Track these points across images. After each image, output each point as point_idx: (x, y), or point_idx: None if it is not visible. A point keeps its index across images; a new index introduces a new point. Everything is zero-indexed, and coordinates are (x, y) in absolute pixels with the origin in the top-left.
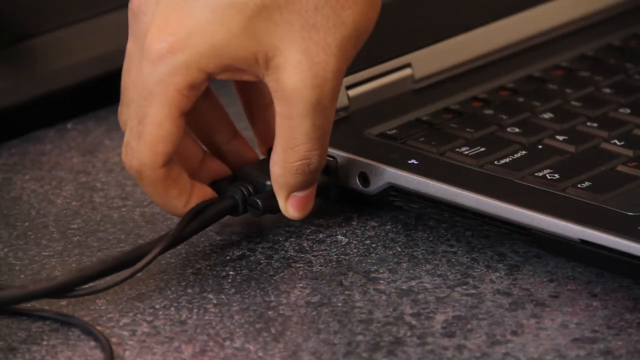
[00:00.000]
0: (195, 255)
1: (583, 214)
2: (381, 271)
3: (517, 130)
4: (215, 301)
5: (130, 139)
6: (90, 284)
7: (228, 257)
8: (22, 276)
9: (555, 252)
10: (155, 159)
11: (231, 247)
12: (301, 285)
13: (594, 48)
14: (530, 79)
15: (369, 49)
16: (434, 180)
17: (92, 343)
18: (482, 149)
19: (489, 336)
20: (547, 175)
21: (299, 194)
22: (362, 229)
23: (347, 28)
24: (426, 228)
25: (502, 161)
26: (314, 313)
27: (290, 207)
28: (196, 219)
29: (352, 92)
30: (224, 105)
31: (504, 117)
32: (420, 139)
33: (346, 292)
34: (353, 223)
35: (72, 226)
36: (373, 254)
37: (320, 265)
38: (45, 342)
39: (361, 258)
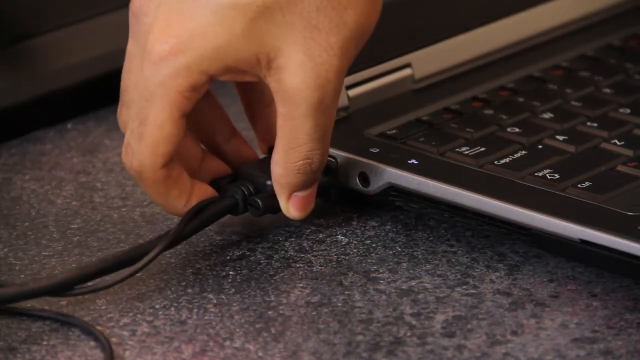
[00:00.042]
0: (195, 255)
1: (583, 214)
2: (381, 271)
3: (517, 130)
4: (215, 301)
5: (130, 140)
6: (90, 283)
7: (228, 257)
8: (22, 276)
9: (555, 252)
10: (155, 160)
11: (231, 247)
12: (301, 285)
13: (594, 48)
14: (530, 79)
15: (369, 49)
16: (434, 180)
17: (92, 343)
18: (482, 149)
19: (489, 336)
20: (547, 175)
21: (300, 194)
22: (362, 229)
23: (349, 28)
24: (426, 228)
25: (502, 161)
26: (314, 313)
27: (291, 207)
28: (196, 218)
29: (352, 92)
30: (222, 105)
31: (504, 117)
32: (420, 139)
33: (346, 292)
34: (353, 223)
35: (72, 226)
36: (373, 254)
37: (320, 265)
38: (45, 342)
39: (361, 258)
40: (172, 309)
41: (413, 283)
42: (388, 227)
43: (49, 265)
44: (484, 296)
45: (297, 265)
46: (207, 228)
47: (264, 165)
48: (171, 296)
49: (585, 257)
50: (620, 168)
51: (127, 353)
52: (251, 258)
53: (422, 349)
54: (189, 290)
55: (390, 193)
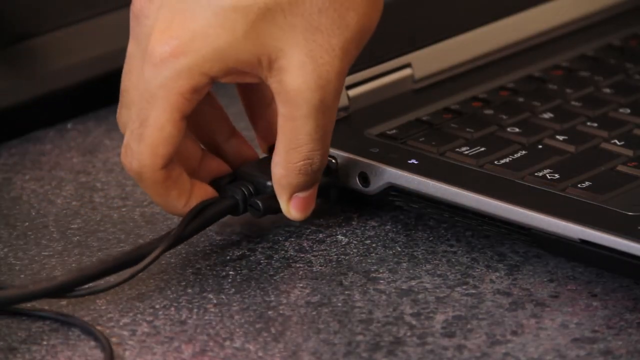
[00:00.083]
0: (195, 255)
1: (583, 214)
2: (381, 271)
3: (517, 130)
4: (215, 301)
5: (130, 141)
6: (91, 284)
7: (228, 257)
8: (22, 276)
9: (555, 252)
10: (155, 161)
11: (231, 247)
12: (301, 285)
13: (594, 48)
14: (530, 79)
15: (369, 49)
16: (434, 180)
17: (92, 343)
18: (482, 149)
19: (489, 336)
20: (547, 175)
21: (301, 195)
22: (362, 229)
23: (350, 30)
24: (426, 228)
25: (502, 161)
26: (314, 313)
27: (292, 208)
28: (197, 219)
29: (352, 92)
30: (222, 105)
31: (504, 117)
32: (420, 139)
33: (346, 292)
34: (353, 223)
35: (72, 226)
36: (373, 254)
37: (320, 265)
38: (45, 342)
39: (361, 258)
40: (172, 309)
41: (413, 283)
42: (388, 227)
43: (49, 265)
44: (484, 296)
45: (297, 265)
46: (207, 228)
47: (264, 165)
48: (171, 296)
49: (585, 257)
50: (620, 168)
51: (127, 353)
52: (251, 258)
53: (422, 349)
54: (189, 290)
55: (390, 193)
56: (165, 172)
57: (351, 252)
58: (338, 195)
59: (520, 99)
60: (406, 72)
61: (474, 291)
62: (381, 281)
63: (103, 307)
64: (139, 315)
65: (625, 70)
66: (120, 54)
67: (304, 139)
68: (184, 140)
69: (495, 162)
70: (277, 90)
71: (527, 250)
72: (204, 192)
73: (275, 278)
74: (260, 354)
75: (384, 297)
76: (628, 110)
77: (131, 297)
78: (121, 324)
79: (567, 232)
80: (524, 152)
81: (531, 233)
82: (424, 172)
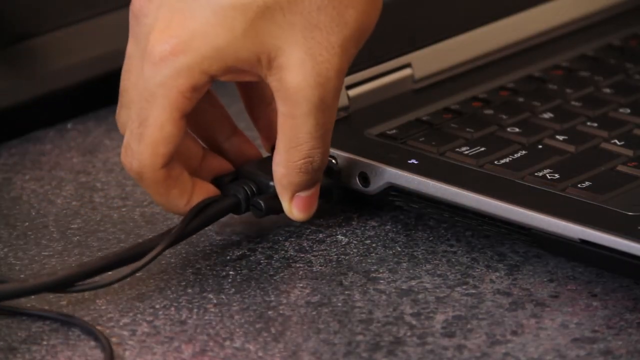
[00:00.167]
0: (195, 255)
1: (583, 214)
2: (381, 271)
3: (517, 130)
4: (215, 301)
5: (130, 141)
6: (91, 280)
7: (228, 257)
8: (22, 276)
9: (555, 252)
10: (155, 161)
11: (231, 247)
12: (301, 285)
13: (594, 48)
14: (530, 79)
15: (369, 49)
16: (434, 180)
17: (92, 343)
18: (482, 149)
19: (489, 336)
20: (547, 175)
21: (303, 194)
22: (362, 229)
23: (349, 28)
24: (426, 228)
25: (502, 161)
26: (314, 313)
27: (294, 208)
28: (199, 217)
29: (352, 92)
30: (223, 103)
31: (504, 117)
32: (420, 139)
33: (346, 292)
34: (353, 223)
35: (72, 226)
36: (373, 254)
37: (320, 265)
38: (45, 342)
39: (361, 258)
40: (172, 309)
41: (413, 283)
42: (388, 227)
43: (49, 265)
44: (484, 296)
45: (297, 265)
46: (207, 228)
47: (266, 164)
48: (171, 296)
49: (585, 257)
50: (620, 168)
51: (127, 353)
52: (251, 258)
53: (422, 349)
54: (189, 290)
55: (390, 193)
56: (165, 171)
57: (351, 252)
58: (341, 197)
59: (520, 99)
60: (406, 72)
61: (474, 291)
62: (381, 281)
63: (103, 307)
64: (139, 315)
65: (625, 70)
66: (120, 54)
67: (304, 137)
68: (185, 139)
69: (495, 162)
70: (276, 88)
71: (527, 250)
72: (205, 190)
73: (275, 278)
74: (260, 354)
75: (384, 297)
76: (628, 110)
77: (131, 297)
78: (121, 324)
79: (567, 232)
80: (524, 152)
81: (531, 233)
82: (424, 172)
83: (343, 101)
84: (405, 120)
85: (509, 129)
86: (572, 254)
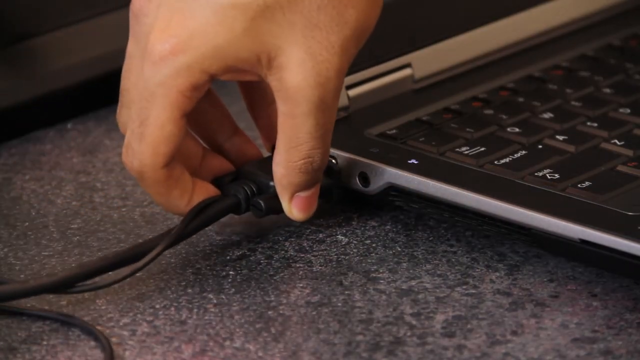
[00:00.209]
0: (195, 255)
1: (583, 214)
2: (381, 271)
3: (517, 130)
4: (215, 301)
5: (131, 141)
6: (91, 281)
7: (228, 257)
8: (22, 276)
9: (555, 252)
10: (156, 160)
11: (231, 247)
12: (301, 285)
13: (594, 48)
14: (530, 79)
15: (369, 49)
16: (434, 180)
17: (92, 343)
18: (482, 149)
19: (489, 336)
20: (547, 175)
21: (303, 194)
22: (362, 229)
23: (349, 27)
24: (426, 228)
25: (502, 161)
26: (314, 313)
27: (294, 208)
28: (199, 217)
29: (352, 92)
30: (223, 103)
31: (504, 117)
32: (420, 139)
33: (346, 292)
34: (353, 223)
35: (72, 226)
36: (373, 254)
37: (320, 265)
38: (45, 342)
39: (361, 258)
40: (172, 309)
41: (413, 283)
42: (388, 227)
43: (49, 265)
44: (484, 296)
45: (297, 265)
46: (207, 228)
47: (267, 164)
48: (171, 296)
49: (585, 257)
50: (620, 168)
51: (127, 353)
52: (251, 258)
53: (422, 349)
54: (189, 290)
55: (390, 193)
56: (166, 171)
57: (351, 252)
58: (341, 197)
59: (520, 99)
60: (406, 72)
61: (474, 291)
62: (381, 281)
63: (103, 307)
64: (139, 315)
65: (625, 70)
66: (120, 54)
67: (304, 137)
68: (185, 138)
69: (495, 162)
70: (276, 88)
71: (527, 250)
72: (205, 190)
73: (275, 278)
74: (260, 354)
75: (384, 297)
76: (628, 110)
77: (131, 297)
78: (121, 324)
79: (567, 232)
80: (524, 152)
81: (531, 233)
82: (424, 172)
83: (343, 101)
84: (405, 120)
85: (509, 129)
86: (572, 254)
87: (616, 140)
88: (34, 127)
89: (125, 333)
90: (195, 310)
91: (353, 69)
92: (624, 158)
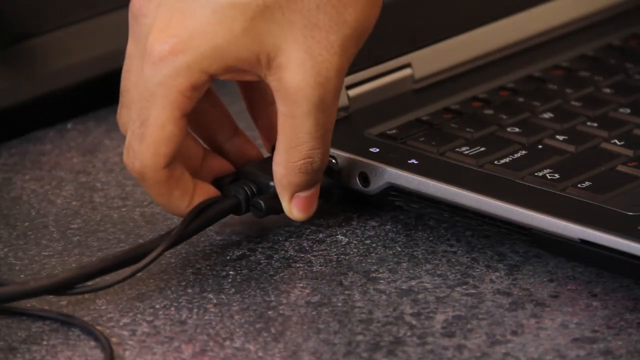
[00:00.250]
0: (195, 255)
1: (583, 214)
2: (381, 271)
3: (517, 130)
4: (215, 301)
5: (132, 141)
6: (91, 282)
7: (228, 257)
8: (22, 276)
9: (555, 252)
10: (157, 161)
11: (231, 247)
12: (301, 285)
13: (594, 48)
14: (530, 79)
15: (369, 49)
16: (434, 180)
17: (92, 343)
18: (482, 149)
19: (489, 336)
20: (547, 175)
21: (303, 194)
22: (362, 229)
23: (349, 26)
24: (426, 228)
25: (502, 161)
26: (314, 313)
27: (294, 208)
28: (199, 218)
29: (352, 92)
30: (224, 103)
31: (504, 117)
32: (420, 139)
33: (346, 292)
34: (353, 223)
35: (72, 226)
36: (373, 254)
37: (320, 265)
38: (45, 342)
39: (361, 258)
40: (172, 309)
41: (413, 283)
42: (388, 227)
43: (49, 265)
44: (484, 296)
45: (297, 265)
46: (207, 228)
47: (267, 165)
48: (171, 296)
49: (585, 257)
50: (620, 168)
51: (127, 353)
52: (251, 258)
53: (422, 349)
54: (189, 290)
55: (390, 193)
56: (167, 172)
57: (351, 252)
58: (341, 197)
59: (520, 99)
60: (406, 72)
61: (474, 291)
62: (381, 281)
63: (103, 307)
64: (139, 315)
65: (625, 70)
66: (120, 54)
67: (304, 137)
68: (186, 139)
69: (495, 162)
70: (276, 88)
71: (527, 250)
72: (206, 191)
73: (275, 278)
74: (260, 354)
75: (384, 297)
76: (628, 110)
77: (131, 297)
78: (121, 324)
79: (567, 232)
80: (524, 152)
81: (531, 233)
82: (424, 172)
83: (343, 101)
84: (405, 120)
85: (509, 129)
86: (572, 254)
87: (616, 140)
88: (34, 127)
89: (125, 333)
90: (195, 310)
91: (353, 69)
92: (624, 158)
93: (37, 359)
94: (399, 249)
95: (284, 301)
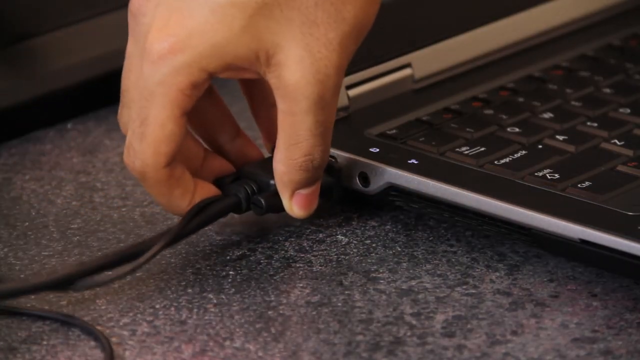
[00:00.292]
0: (195, 255)
1: (583, 214)
2: (381, 271)
3: (517, 130)
4: (215, 301)
5: (132, 141)
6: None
7: (228, 257)
8: (22, 276)
9: (555, 252)
10: (158, 160)
11: (231, 247)
12: (301, 285)
13: (594, 48)
14: (530, 79)
15: (369, 49)
16: (434, 180)
17: (92, 343)
18: (482, 149)
19: (489, 336)
20: (547, 175)
21: (304, 192)
22: (362, 229)
23: (347, 23)
24: (426, 228)
25: (502, 161)
26: (314, 313)
27: (295, 206)
28: (199, 216)
29: (352, 92)
30: (226, 105)
31: (504, 117)
32: (420, 139)
33: (346, 292)
34: (353, 223)
35: (72, 226)
36: (373, 254)
37: (320, 265)
38: (45, 342)
39: (361, 258)
40: (172, 309)
41: (413, 283)
42: (388, 227)
43: (49, 265)
44: (484, 296)
45: (297, 265)
46: (207, 228)
47: (268, 164)
48: (171, 296)
49: (585, 257)
50: (620, 168)
51: (127, 353)
52: (251, 258)
53: (422, 349)
54: (189, 290)
55: (390, 193)
56: (168, 171)
57: (351, 252)
58: (341, 196)
59: (520, 99)
60: (406, 72)
61: (474, 291)
62: (381, 281)
63: (103, 307)
64: (139, 315)
65: (625, 70)
66: (120, 54)
67: (303, 134)
68: (186, 139)
69: (495, 162)
70: (275, 85)
71: (527, 250)
72: (207, 191)
73: (275, 278)
74: (260, 354)
75: (384, 297)
76: (628, 110)
77: (131, 297)
78: (121, 324)
79: (567, 232)
80: (524, 152)
81: (531, 233)
82: (424, 172)
83: (343, 101)
84: (405, 120)
85: (509, 129)
86: (572, 254)
87: (616, 140)
88: (34, 127)
89: (125, 333)
90: (195, 310)
91: (353, 69)
92: (624, 158)
93: (37, 359)
94: (399, 249)
95: (284, 301)
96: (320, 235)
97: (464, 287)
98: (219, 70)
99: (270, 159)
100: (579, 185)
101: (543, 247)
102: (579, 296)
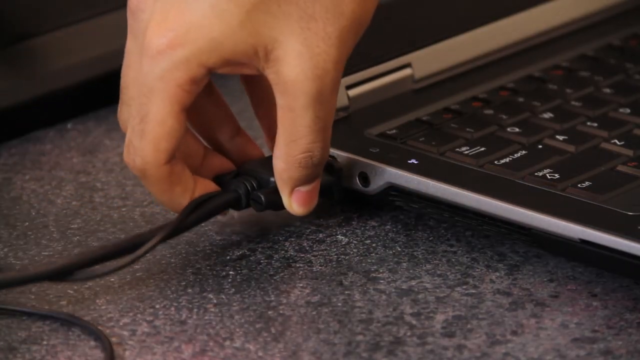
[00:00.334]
0: (195, 255)
1: (583, 214)
2: (381, 271)
3: (517, 130)
4: (215, 301)
5: (132, 138)
6: (90, 269)
7: (228, 257)
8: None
9: (555, 252)
10: (158, 157)
11: (231, 247)
12: (301, 285)
13: (594, 48)
14: (530, 79)
15: (369, 49)
16: (434, 180)
17: (92, 343)
18: (482, 149)
19: (489, 336)
20: (547, 175)
21: (303, 189)
22: (362, 229)
23: (346, 18)
24: (426, 228)
25: (502, 161)
26: (314, 313)
27: (294, 203)
28: (199, 209)
29: (352, 92)
30: (227, 103)
31: (504, 117)
32: (420, 139)
33: (346, 292)
34: (353, 223)
35: (72, 226)
36: (373, 254)
37: (320, 265)
38: (45, 342)
39: (361, 258)
40: (172, 309)
41: (413, 283)
42: (388, 227)
43: None
44: (484, 296)
45: (297, 265)
46: (207, 228)
47: (268, 162)
48: (171, 296)
49: (585, 257)
50: (620, 168)
51: (127, 353)
52: (251, 258)
53: (422, 349)
54: (189, 290)
55: (390, 193)
56: (168, 168)
57: (351, 252)
58: (342, 195)
59: (520, 99)
60: (406, 72)
61: (474, 291)
62: (381, 281)
63: (103, 307)
64: (139, 315)
65: (625, 70)
66: (120, 54)
67: (303, 130)
68: (186, 137)
69: (495, 162)
70: (274, 81)
71: (527, 250)
72: (207, 188)
73: (275, 278)
74: (260, 354)
75: (384, 297)
76: (628, 110)
77: (131, 297)
78: (121, 324)
79: (567, 232)
80: (524, 152)
81: (531, 233)
82: (424, 172)
83: (343, 101)
84: (405, 120)
85: (509, 129)
86: (572, 254)
87: (616, 140)
88: (34, 127)
89: (125, 333)
90: (195, 310)
91: (353, 69)
92: (624, 158)
93: (37, 359)
94: (399, 249)
95: (284, 301)
96: (320, 235)
97: (464, 287)
98: (218, 66)
99: (270, 158)
100: (579, 185)
101: (543, 247)
102: (579, 296)
